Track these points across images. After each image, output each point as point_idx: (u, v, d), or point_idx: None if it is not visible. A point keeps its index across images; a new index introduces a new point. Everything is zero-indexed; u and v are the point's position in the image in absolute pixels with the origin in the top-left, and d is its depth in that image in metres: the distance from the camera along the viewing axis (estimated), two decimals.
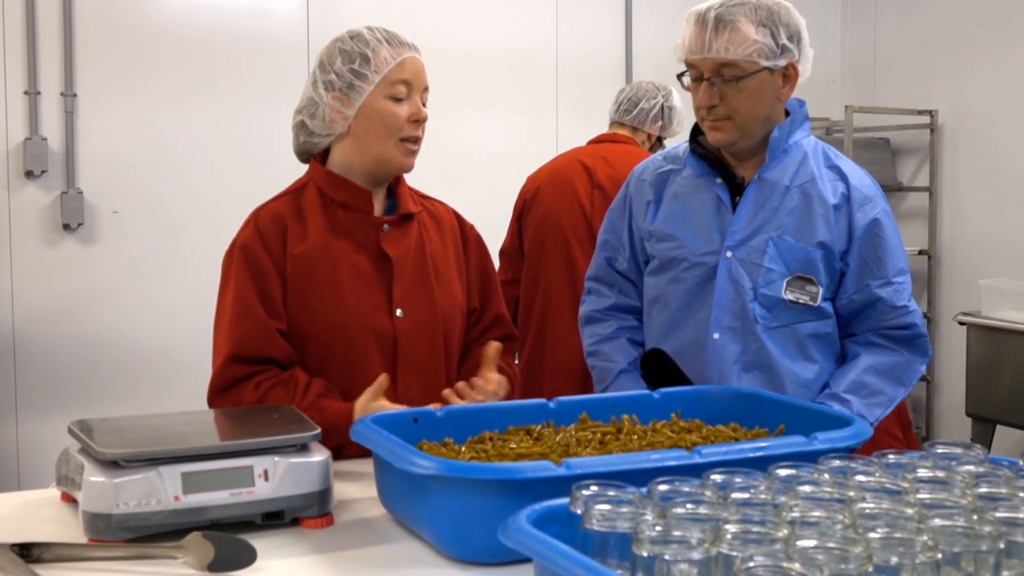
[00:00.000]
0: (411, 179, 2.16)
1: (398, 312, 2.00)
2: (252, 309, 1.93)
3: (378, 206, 2.07)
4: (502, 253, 3.53)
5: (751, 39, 2.04)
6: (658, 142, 3.61)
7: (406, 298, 2.01)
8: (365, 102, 1.98)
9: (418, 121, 2.01)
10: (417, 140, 2.02)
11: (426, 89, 2.04)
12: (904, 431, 3.67)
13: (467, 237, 2.18)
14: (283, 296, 1.96)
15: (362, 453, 1.68)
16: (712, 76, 2.07)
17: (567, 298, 3.28)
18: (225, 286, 1.98)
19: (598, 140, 3.57)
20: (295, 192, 2.06)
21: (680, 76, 2.15)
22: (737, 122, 2.09)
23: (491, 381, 1.96)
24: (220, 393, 1.93)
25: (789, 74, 2.10)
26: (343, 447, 1.82)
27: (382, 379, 1.86)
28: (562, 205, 3.37)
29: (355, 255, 2.00)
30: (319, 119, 2.01)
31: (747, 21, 2.04)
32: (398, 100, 1.99)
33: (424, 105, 2.03)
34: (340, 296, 1.97)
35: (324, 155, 2.08)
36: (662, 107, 3.55)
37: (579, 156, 3.49)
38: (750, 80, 2.06)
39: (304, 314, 1.96)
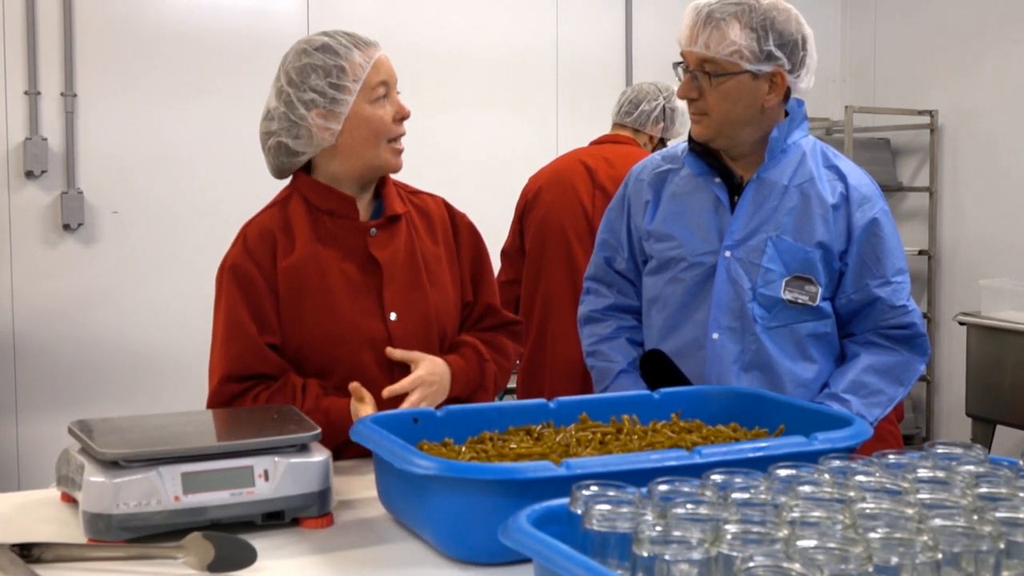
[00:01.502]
0: (409, 178, 2.15)
1: (391, 316, 2.00)
2: (243, 328, 1.94)
3: (364, 210, 2.06)
4: (503, 254, 3.53)
5: (731, 39, 2.04)
6: (660, 143, 3.61)
7: (398, 301, 2.01)
8: (351, 112, 1.96)
9: (403, 118, 2.02)
10: (402, 137, 2.03)
11: (396, 82, 2.04)
12: (898, 421, 3.67)
13: (458, 227, 2.16)
14: (276, 309, 1.96)
15: (362, 453, 1.68)
16: (695, 69, 2.09)
17: (568, 298, 3.28)
18: (217, 306, 1.99)
19: (600, 141, 3.57)
20: (281, 203, 2.05)
21: (676, 66, 2.16)
22: (713, 119, 2.10)
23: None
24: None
25: (776, 82, 2.09)
26: (343, 447, 1.82)
27: (353, 388, 1.87)
28: (563, 205, 3.37)
29: (344, 262, 2.00)
30: (304, 138, 1.99)
31: (735, 22, 2.04)
32: (379, 103, 1.98)
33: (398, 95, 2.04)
34: (332, 304, 1.97)
35: (306, 167, 2.07)
36: (663, 108, 3.55)
37: (581, 157, 3.49)
38: (729, 80, 2.06)
39: (298, 325, 1.96)
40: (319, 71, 1.95)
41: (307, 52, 1.97)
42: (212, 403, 1.93)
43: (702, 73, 2.08)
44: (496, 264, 3.06)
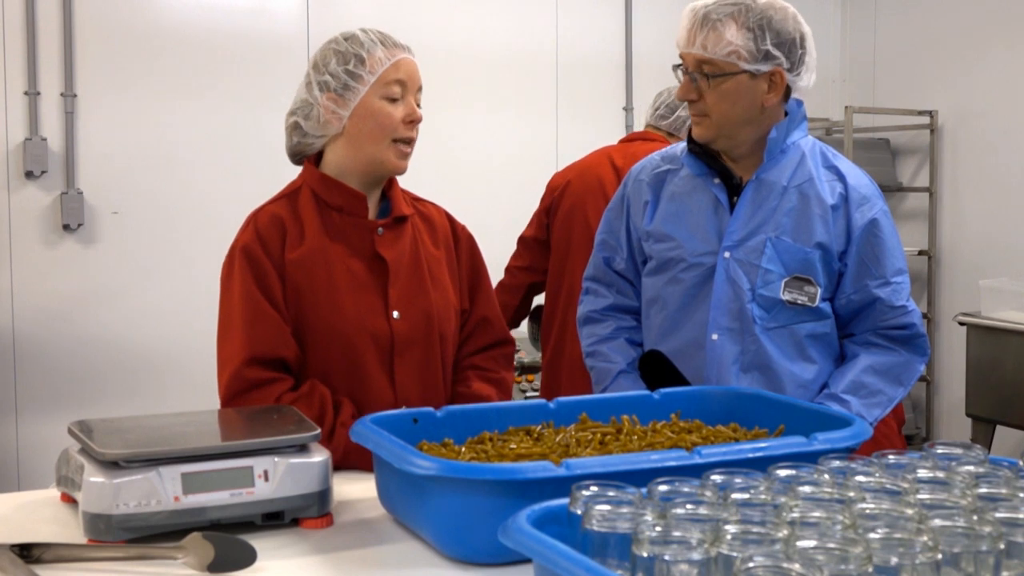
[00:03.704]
0: (411, 179, 2.15)
1: (394, 314, 2.00)
2: (264, 309, 1.93)
3: (372, 209, 2.07)
4: (520, 240, 3.53)
5: (728, 40, 2.04)
6: None
7: (402, 300, 2.02)
8: (360, 103, 1.98)
9: (412, 122, 2.01)
10: (411, 142, 2.03)
11: (419, 90, 2.04)
12: (898, 426, 3.67)
13: (459, 238, 2.18)
14: (285, 297, 1.96)
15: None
16: (694, 71, 2.09)
17: None
18: (229, 289, 1.97)
19: (630, 139, 3.53)
20: (290, 195, 2.06)
21: (676, 68, 2.16)
22: (713, 120, 2.10)
23: None
24: (238, 396, 1.91)
25: (775, 81, 2.09)
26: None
27: None
28: (589, 198, 3.35)
29: (350, 259, 2.01)
30: (313, 120, 2.02)
31: (732, 22, 2.05)
32: (393, 101, 1.99)
33: (418, 106, 2.03)
34: (337, 300, 1.97)
35: (317, 157, 2.08)
36: None
37: (609, 152, 3.46)
38: (727, 80, 2.06)
39: (302, 318, 1.96)
40: (340, 56, 1.99)
41: (336, 40, 2.02)
42: (232, 387, 1.90)
43: (701, 75, 2.08)
44: (495, 273, 3.06)
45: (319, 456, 1.56)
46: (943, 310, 5.62)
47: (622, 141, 3.56)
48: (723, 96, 2.08)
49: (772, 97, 2.10)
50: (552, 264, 3.45)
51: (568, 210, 3.38)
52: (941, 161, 5.62)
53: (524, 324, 3.81)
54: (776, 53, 2.06)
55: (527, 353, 4.35)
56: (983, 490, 1.19)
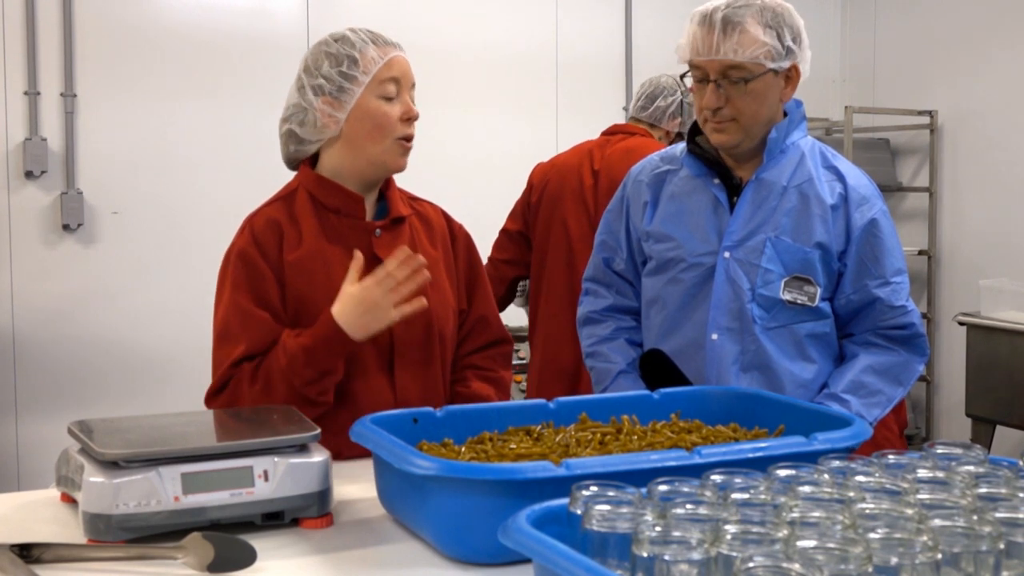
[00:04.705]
0: (410, 179, 2.15)
1: None
2: (259, 315, 1.93)
3: (369, 210, 2.07)
4: (505, 232, 3.53)
5: (760, 41, 2.03)
6: (678, 137, 3.51)
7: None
8: (356, 104, 1.97)
9: (410, 119, 2.01)
10: (410, 138, 2.02)
11: (413, 86, 2.04)
12: (900, 429, 3.67)
13: (456, 236, 2.18)
14: (282, 301, 1.96)
15: (362, 453, 1.68)
16: (718, 78, 2.06)
17: (564, 285, 3.28)
18: (223, 295, 1.98)
19: (610, 132, 3.52)
20: (287, 197, 2.06)
21: (682, 76, 2.15)
22: (742, 123, 2.09)
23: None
24: (218, 392, 1.92)
25: (792, 75, 2.10)
26: (342, 449, 1.82)
27: (359, 259, 1.90)
28: (569, 205, 3.35)
29: (349, 261, 2.00)
30: (309, 125, 2.00)
31: (754, 23, 2.03)
32: (388, 100, 1.99)
33: (412, 102, 2.03)
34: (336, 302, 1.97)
35: (312, 159, 2.07)
36: (681, 104, 3.47)
37: (588, 146, 3.47)
38: (757, 82, 2.05)
39: (300, 320, 1.96)
40: (332, 59, 1.98)
41: (326, 42, 2.01)
42: (217, 384, 1.92)
43: (727, 81, 2.05)
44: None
45: (319, 456, 1.56)
46: (943, 310, 5.62)
47: (603, 134, 3.51)
48: (754, 98, 2.06)
49: (789, 91, 2.11)
50: (532, 268, 3.46)
51: (547, 218, 3.39)
52: (941, 161, 5.62)
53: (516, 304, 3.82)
54: (795, 48, 2.07)
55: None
56: (983, 490, 1.19)
